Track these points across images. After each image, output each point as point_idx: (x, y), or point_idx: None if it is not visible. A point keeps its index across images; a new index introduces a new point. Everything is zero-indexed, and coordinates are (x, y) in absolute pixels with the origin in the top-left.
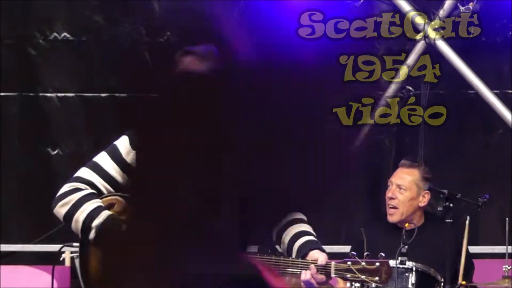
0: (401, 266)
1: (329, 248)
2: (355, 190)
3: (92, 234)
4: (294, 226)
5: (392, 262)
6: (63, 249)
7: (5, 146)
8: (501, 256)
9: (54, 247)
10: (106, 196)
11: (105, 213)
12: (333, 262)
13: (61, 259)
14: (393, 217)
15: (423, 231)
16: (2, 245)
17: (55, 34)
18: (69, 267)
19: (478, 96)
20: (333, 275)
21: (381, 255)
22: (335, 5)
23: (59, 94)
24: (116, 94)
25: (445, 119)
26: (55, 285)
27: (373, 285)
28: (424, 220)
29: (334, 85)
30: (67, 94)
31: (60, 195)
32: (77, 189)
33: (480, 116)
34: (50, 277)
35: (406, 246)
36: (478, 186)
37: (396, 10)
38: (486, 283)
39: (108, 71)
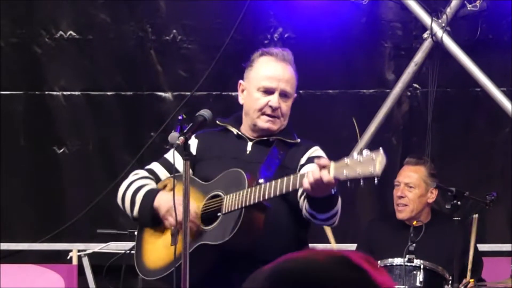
0: (409, 264)
1: (336, 247)
2: (361, 188)
3: (135, 210)
4: None
5: (400, 260)
6: (70, 247)
7: (11, 145)
8: (508, 254)
9: (62, 246)
10: (162, 180)
11: (148, 187)
12: (332, 162)
13: (68, 257)
14: (403, 213)
15: (431, 229)
16: (9, 244)
17: (60, 32)
18: (76, 266)
19: (485, 94)
20: (332, 175)
21: (381, 149)
22: (342, 4)
23: (64, 93)
24: (122, 93)
25: (452, 117)
26: (63, 283)
27: (369, 176)
28: (431, 217)
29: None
30: (73, 93)
31: (123, 183)
32: (136, 174)
33: (488, 114)
34: (56, 275)
35: (414, 244)
36: (485, 184)
37: (403, 8)
38: (495, 282)
39: (114, 69)
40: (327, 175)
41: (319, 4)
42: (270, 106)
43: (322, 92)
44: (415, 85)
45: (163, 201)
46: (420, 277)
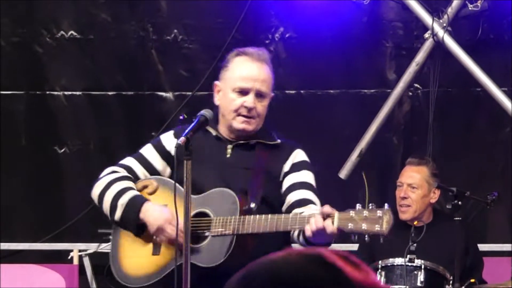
0: (410, 264)
1: (337, 247)
2: (363, 188)
3: (117, 213)
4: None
5: (400, 260)
6: (70, 247)
7: (12, 145)
8: (509, 254)
9: (62, 246)
10: (141, 180)
11: (132, 193)
12: (336, 213)
13: (69, 257)
14: (406, 214)
15: (432, 229)
16: (9, 244)
17: (62, 32)
18: (77, 266)
19: (486, 94)
20: (335, 225)
21: (386, 205)
22: (343, 4)
23: (66, 92)
24: (123, 92)
25: (453, 116)
26: (63, 283)
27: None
28: (432, 218)
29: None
30: (74, 92)
31: (97, 179)
32: (113, 172)
33: (489, 113)
34: (57, 275)
35: (415, 244)
36: (486, 184)
37: (405, 7)
38: (495, 284)
39: (115, 69)
40: (331, 226)
41: (320, 4)
42: (245, 107)
43: (323, 92)
44: (416, 85)
45: (152, 218)
46: (421, 277)
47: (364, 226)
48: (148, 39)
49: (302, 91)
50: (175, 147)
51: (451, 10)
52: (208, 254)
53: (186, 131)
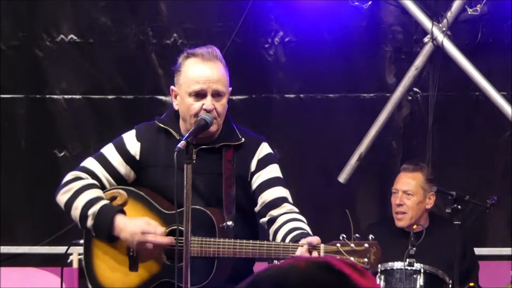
0: (409, 268)
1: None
2: (361, 192)
3: (89, 222)
4: (287, 224)
5: (400, 264)
6: (70, 250)
7: (12, 148)
8: (508, 258)
9: (61, 249)
10: (109, 190)
11: (102, 202)
12: (322, 244)
13: (68, 261)
14: (402, 222)
15: (430, 233)
16: (9, 247)
17: (61, 35)
18: (77, 269)
19: (485, 98)
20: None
21: (371, 237)
22: (342, 8)
23: (66, 96)
24: (123, 96)
25: (453, 121)
26: (64, 286)
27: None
28: (429, 222)
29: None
30: (74, 96)
31: (63, 183)
32: (79, 178)
33: (488, 117)
34: (57, 278)
35: (414, 248)
36: (486, 188)
37: (404, 12)
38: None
39: (115, 73)
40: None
41: (320, 8)
42: (205, 110)
43: (323, 96)
44: (415, 89)
45: (128, 233)
46: (420, 281)
47: (351, 258)
48: (148, 43)
49: (301, 95)
50: (176, 150)
51: (450, 14)
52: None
53: (187, 135)
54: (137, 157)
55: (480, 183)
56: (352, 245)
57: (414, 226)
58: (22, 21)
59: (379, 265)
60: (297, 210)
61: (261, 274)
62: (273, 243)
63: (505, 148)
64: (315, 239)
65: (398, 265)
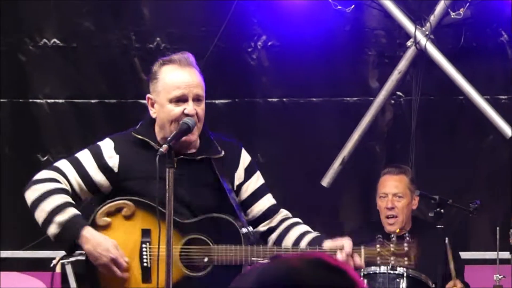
0: (392, 272)
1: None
2: (345, 197)
3: (53, 229)
4: (293, 229)
5: (383, 269)
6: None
7: None
8: (492, 262)
9: (45, 254)
10: (115, 200)
11: (72, 211)
12: (362, 247)
13: (51, 265)
14: (394, 226)
15: (412, 236)
16: None
17: (45, 40)
18: (60, 274)
19: (469, 102)
20: (362, 262)
21: (406, 236)
22: (325, 12)
23: (49, 100)
24: (106, 100)
25: (436, 125)
26: None
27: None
28: (412, 225)
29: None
30: (57, 100)
31: (35, 180)
32: (53, 179)
33: (471, 121)
34: (41, 283)
35: None
36: (469, 192)
37: (387, 16)
38: None
39: (98, 77)
40: (359, 262)
41: (302, 12)
42: (187, 114)
43: (306, 100)
44: (398, 93)
45: (100, 248)
46: (403, 284)
47: (392, 260)
48: (131, 48)
49: (284, 99)
50: (158, 154)
51: (433, 18)
52: (214, 284)
53: (169, 139)
54: (115, 169)
55: (463, 187)
56: (392, 246)
57: (397, 230)
58: (5, 25)
59: (362, 269)
60: (289, 214)
61: (263, 276)
62: (307, 248)
63: (488, 152)
64: (350, 243)
65: (381, 269)
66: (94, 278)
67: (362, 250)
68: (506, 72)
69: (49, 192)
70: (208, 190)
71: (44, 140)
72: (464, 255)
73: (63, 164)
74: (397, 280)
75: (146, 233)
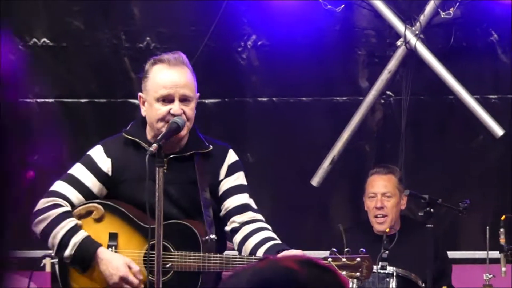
0: (382, 271)
1: (310, 254)
2: (335, 197)
3: (68, 252)
4: (256, 234)
5: (387, 269)
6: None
7: None
8: (481, 261)
9: (32, 253)
10: (84, 204)
11: (84, 233)
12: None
13: (41, 264)
14: (384, 225)
15: (403, 236)
16: None
17: (34, 39)
18: (50, 273)
19: (459, 102)
20: None
21: (362, 251)
22: (315, 12)
23: (38, 100)
24: (96, 100)
25: (426, 124)
26: None
27: (355, 281)
28: (401, 225)
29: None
30: (47, 100)
31: (38, 211)
32: (56, 205)
33: (461, 121)
34: (31, 283)
35: (387, 252)
36: (459, 192)
37: (377, 15)
38: None
39: (88, 77)
40: None
41: (293, 12)
42: (173, 114)
43: (296, 99)
44: (388, 92)
45: (111, 267)
46: (393, 284)
47: (344, 273)
48: (121, 47)
49: (274, 99)
50: (148, 153)
51: (423, 18)
52: None
53: (158, 138)
54: (110, 173)
55: (453, 187)
56: (344, 259)
57: (387, 230)
58: None
59: None
60: (261, 217)
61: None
62: (260, 257)
63: (478, 152)
64: (301, 253)
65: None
66: (66, 281)
67: None
68: (496, 72)
69: (56, 218)
70: (193, 187)
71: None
72: (454, 254)
73: (60, 186)
74: (387, 279)
75: (113, 236)
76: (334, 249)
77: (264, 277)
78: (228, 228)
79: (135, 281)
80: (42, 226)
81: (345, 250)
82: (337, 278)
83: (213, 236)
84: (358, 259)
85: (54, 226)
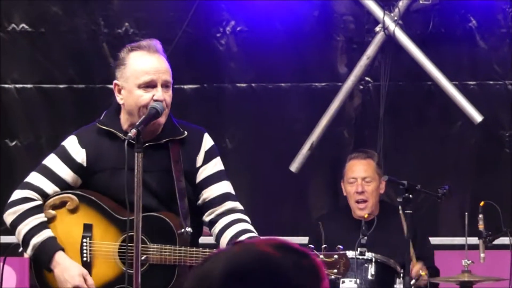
0: (360, 257)
1: (288, 240)
2: (312, 182)
3: (29, 251)
4: (232, 227)
5: (351, 253)
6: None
7: None
8: (460, 247)
9: (13, 239)
10: (59, 194)
11: (47, 233)
12: None
13: (19, 250)
14: (364, 210)
15: (382, 222)
16: None
17: (13, 25)
18: (28, 259)
19: (437, 88)
20: None
21: (339, 248)
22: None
23: (17, 86)
24: (75, 85)
25: (405, 110)
26: (15, 276)
27: (332, 277)
28: (379, 210)
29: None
30: (26, 86)
31: (11, 202)
32: (27, 199)
33: (440, 107)
34: (8, 268)
35: (366, 237)
36: (437, 178)
37: (356, 1)
38: (446, 277)
39: (66, 63)
40: None
41: None
42: (156, 100)
43: (274, 85)
44: (367, 78)
45: (67, 275)
46: (371, 270)
47: None
48: (99, 33)
49: (253, 85)
50: (127, 139)
51: (402, 4)
52: (149, 282)
53: (137, 123)
54: (84, 164)
55: (431, 173)
56: (321, 256)
57: (366, 215)
58: None
59: None
60: (239, 207)
61: (231, 267)
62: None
63: (457, 138)
64: None
65: (349, 254)
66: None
67: None
68: (475, 58)
69: (24, 213)
70: (168, 175)
71: (12, 125)
72: (433, 240)
73: (35, 177)
74: (366, 265)
75: (87, 227)
76: (311, 246)
77: (241, 262)
78: (206, 219)
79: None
80: (10, 219)
81: (323, 247)
82: (313, 262)
83: (188, 229)
84: (336, 256)
85: (19, 222)
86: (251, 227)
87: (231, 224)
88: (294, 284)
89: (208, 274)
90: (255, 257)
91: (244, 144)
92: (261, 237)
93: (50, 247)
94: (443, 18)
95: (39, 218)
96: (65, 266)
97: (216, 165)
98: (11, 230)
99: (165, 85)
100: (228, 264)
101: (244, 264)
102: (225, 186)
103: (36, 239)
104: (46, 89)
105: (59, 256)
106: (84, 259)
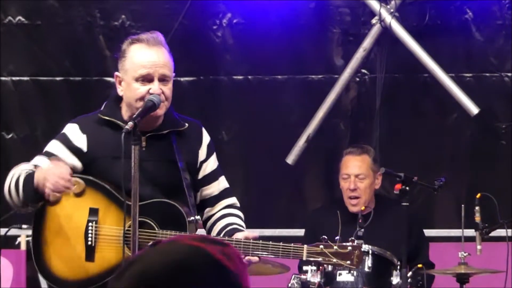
0: None
1: (284, 232)
2: (309, 175)
3: (20, 192)
4: (221, 220)
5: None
6: (18, 232)
7: None
8: (457, 239)
9: (9, 231)
10: None
11: (30, 170)
12: (305, 246)
13: (16, 242)
14: (357, 207)
15: (377, 214)
16: None
17: (9, 17)
18: (25, 251)
19: (433, 80)
20: (305, 258)
21: (353, 239)
22: None
23: (13, 78)
24: (71, 78)
25: (401, 102)
26: (11, 268)
27: (346, 268)
28: (376, 203)
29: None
30: (22, 78)
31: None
32: (19, 165)
33: (436, 99)
34: (5, 260)
35: (363, 230)
36: (433, 170)
37: None
38: (443, 270)
39: (63, 55)
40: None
41: None
42: (152, 94)
43: (271, 77)
44: (363, 70)
45: (38, 175)
46: (368, 262)
47: (334, 260)
48: (95, 25)
49: (249, 77)
50: (123, 131)
51: None
52: None
53: (134, 116)
54: (84, 149)
55: (428, 165)
56: (336, 247)
57: (363, 208)
58: None
59: None
60: (232, 201)
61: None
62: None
63: (453, 130)
64: (242, 234)
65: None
66: (39, 253)
67: (305, 248)
68: (470, 50)
69: (13, 176)
70: (172, 166)
71: (8, 118)
72: (429, 232)
73: (39, 159)
74: (363, 257)
75: (93, 212)
76: (325, 237)
77: (177, 258)
78: (206, 214)
79: (68, 177)
80: (6, 183)
81: (336, 238)
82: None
83: (198, 217)
84: (350, 248)
85: (10, 183)
86: (235, 220)
87: (220, 219)
88: (230, 270)
89: (147, 270)
90: (186, 249)
91: (240, 136)
92: (238, 234)
93: (32, 174)
94: (439, 10)
95: (26, 169)
96: (43, 168)
97: (215, 161)
98: (10, 198)
99: (162, 79)
100: (166, 258)
101: (182, 257)
102: (222, 183)
103: (22, 177)
104: (42, 82)
105: (38, 173)
106: (89, 243)
